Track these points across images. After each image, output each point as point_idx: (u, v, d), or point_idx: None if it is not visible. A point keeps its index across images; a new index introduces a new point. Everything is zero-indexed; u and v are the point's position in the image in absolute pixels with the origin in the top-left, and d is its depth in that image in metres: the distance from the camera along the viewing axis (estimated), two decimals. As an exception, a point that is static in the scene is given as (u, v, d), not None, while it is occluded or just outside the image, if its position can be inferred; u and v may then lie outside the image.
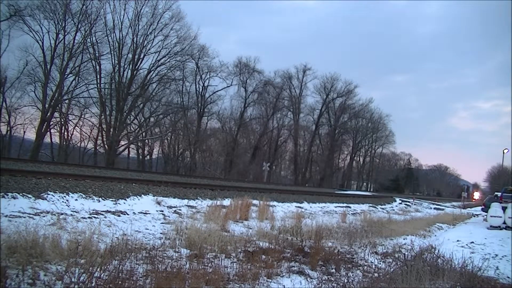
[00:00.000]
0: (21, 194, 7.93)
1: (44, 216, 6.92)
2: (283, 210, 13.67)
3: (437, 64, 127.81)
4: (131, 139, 38.82)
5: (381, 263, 7.55)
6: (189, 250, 6.13)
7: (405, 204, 31.02)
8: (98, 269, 4.20)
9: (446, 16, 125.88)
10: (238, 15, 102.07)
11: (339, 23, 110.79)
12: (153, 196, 10.86)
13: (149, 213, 9.26)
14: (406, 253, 7.87)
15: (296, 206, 15.33)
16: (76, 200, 8.78)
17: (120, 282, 4.11)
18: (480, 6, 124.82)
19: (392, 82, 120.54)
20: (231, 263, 5.78)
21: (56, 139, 35.27)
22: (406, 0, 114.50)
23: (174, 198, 11.57)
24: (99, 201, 9.24)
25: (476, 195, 70.70)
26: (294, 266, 6.27)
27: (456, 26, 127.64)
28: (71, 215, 7.53)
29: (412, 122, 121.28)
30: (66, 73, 32.41)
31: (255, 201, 12.22)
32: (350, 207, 19.93)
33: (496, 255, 9.18)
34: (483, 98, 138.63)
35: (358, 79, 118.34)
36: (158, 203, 10.38)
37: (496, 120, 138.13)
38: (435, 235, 13.52)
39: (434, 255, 7.16)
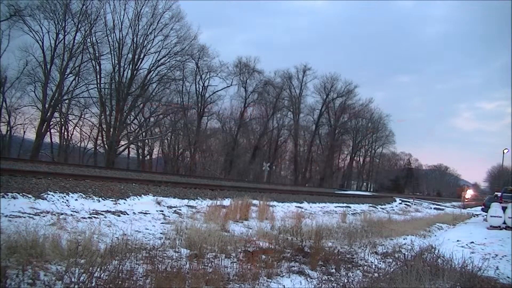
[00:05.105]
0: (21, 194, 7.94)
1: (44, 216, 6.92)
2: (283, 210, 13.67)
3: (441, 65, 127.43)
4: (131, 139, 38.82)
5: (381, 263, 7.55)
6: (189, 250, 6.13)
7: (405, 204, 31.02)
8: (98, 269, 4.20)
9: (451, 18, 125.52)
10: (245, 16, 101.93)
11: (344, 24, 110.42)
12: (153, 196, 10.86)
13: (149, 213, 9.26)
14: (406, 253, 7.87)
15: (296, 206, 15.33)
16: (76, 200, 8.79)
17: (120, 282, 4.11)
18: (484, 8, 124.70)
19: (396, 83, 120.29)
20: (231, 263, 5.78)
21: (56, 139, 35.30)
22: (412, 1, 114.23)
23: (174, 198, 11.57)
24: (99, 201, 9.24)
25: (469, 193, 64.24)
26: (294, 266, 6.28)
27: (461, 27, 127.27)
28: (71, 215, 7.53)
29: (414, 122, 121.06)
30: (66, 73, 32.42)
31: (255, 201, 12.23)
32: (350, 207, 19.92)
33: (496, 255, 9.18)
34: (487, 98, 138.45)
35: (362, 80, 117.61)
36: (158, 203, 10.38)
37: (498, 121, 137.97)
38: (435, 235, 13.52)
39: (434, 255, 7.16)
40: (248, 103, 50.61)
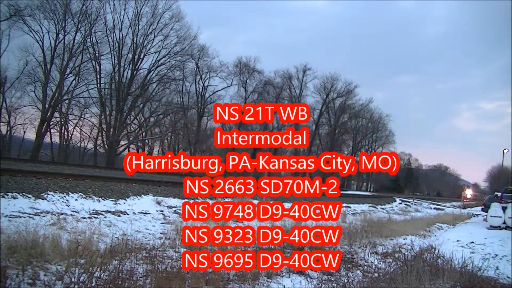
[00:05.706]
0: (21, 194, 7.93)
1: (44, 216, 6.92)
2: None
3: (441, 65, 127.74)
4: (131, 139, 38.80)
5: (381, 263, 7.54)
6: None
7: (405, 204, 31.02)
8: (98, 269, 4.20)
9: (451, 18, 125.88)
10: (245, 16, 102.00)
11: (344, 24, 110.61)
12: (153, 196, 10.87)
13: (149, 213, 9.26)
14: (406, 253, 7.87)
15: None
16: (76, 200, 8.78)
17: (120, 282, 4.11)
18: (484, 8, 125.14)
19: (396, 83, 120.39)
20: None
21: (56, 139, 35.25)
22: (413, 0, 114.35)
23: (174, 198, 11.57)
24: (99, 201, 9.24)
25: (468, 193, 60.30)
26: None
27: (461, 27, 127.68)
28: (71, 215, 7.53)
29: (414, 122, 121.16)
30: (66, 73, 32.37)
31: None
32: (350, 207, 19.92)
33: (496, 255, 9.19)
34: (487, 98, 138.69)
35: (362, 80, 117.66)
36: (158, 203, 10.39)
37: (498, 121, 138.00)
38: (435, 235, 13.52)
39: (434, 255, 7.16)
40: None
